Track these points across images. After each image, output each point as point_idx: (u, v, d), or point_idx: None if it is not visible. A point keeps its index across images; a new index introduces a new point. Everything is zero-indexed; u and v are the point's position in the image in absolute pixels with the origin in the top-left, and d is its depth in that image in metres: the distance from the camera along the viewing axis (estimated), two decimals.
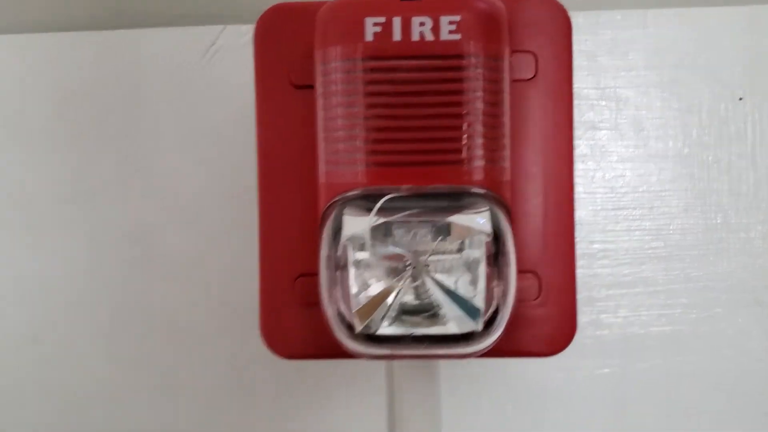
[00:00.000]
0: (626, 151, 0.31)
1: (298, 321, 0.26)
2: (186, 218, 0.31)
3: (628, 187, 0.31)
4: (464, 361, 0.31)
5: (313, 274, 0.26)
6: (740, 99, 0.31)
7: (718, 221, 0.31)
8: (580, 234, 0.31)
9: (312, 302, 0.26)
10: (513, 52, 0.25)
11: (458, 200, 0.23)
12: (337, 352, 0.26)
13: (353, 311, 0.23)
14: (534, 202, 0.25)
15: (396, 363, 0.30)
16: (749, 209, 0.31)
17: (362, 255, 0.23)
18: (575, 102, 0.31)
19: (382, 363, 0.31)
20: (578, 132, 0.31)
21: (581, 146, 0.31)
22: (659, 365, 0.31)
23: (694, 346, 0.31)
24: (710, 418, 0.31)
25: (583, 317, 0.31)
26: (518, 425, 0.31)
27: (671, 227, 0.31)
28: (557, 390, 0.31)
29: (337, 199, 0.23)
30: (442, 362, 0.30)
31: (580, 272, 0.31)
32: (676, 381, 0.31)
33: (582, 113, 0.31)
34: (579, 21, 0.31)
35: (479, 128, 0.23)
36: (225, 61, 0.31)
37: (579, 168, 0.31)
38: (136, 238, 0.32)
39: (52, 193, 0.32)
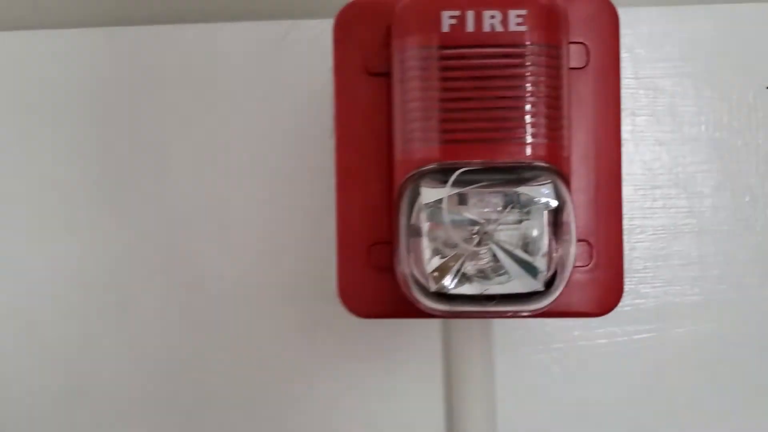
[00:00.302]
0: (662, 136, 0.34)
1: (372, 284, 0.29)
2: (261, 197, 0.34)
3: (663, 168, 0.34)
4: (515, 326, 0.33)
5: (386, 243, 0.29)
6: (767, 88, 0.34)
7: (747, 200, 0.34)
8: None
9: (384, 267, 0.29)
10: (569, 43, 0.28)
11: (524, 173, 0.26)
12: (406, 311, 0.29)
13: (427, 273, 0.26)
14: (587, 178, 0.28)
15: (453, 327, 0.33)
16: None
17: (436, 223, 0.26)
18: None
19: (440, 328, 0.34)
20: None
21: (622, 131, 0.34)
22: (692, 331, 0.34)
23: (724, 314, 0.34)
24: (735, 376, 0.34)
25: None
26: (563, 384, 0.34)
27: (704, 205, 0.34)
28: (599, 352, 0.34)
29: (413, 173, 0.26)
30: (496, 326, 0.33)
31: None
32: (707, 345, 0.34)
33: (622, 101, 0.34)
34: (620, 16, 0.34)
35: (542, 109, 0.26)
36: (295, 53, 0.34)
37: None
38: (212, 214, 0.35)
39: (132, 170, 0.35)
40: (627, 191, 0.34)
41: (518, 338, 0.34)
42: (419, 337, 0.34)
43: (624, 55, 0.34)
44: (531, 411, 0.34)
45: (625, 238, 0.34)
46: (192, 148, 0.35)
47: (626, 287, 0.34)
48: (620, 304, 0.34)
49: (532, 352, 0.34)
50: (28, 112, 0.36)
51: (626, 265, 0.34)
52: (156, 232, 0.35)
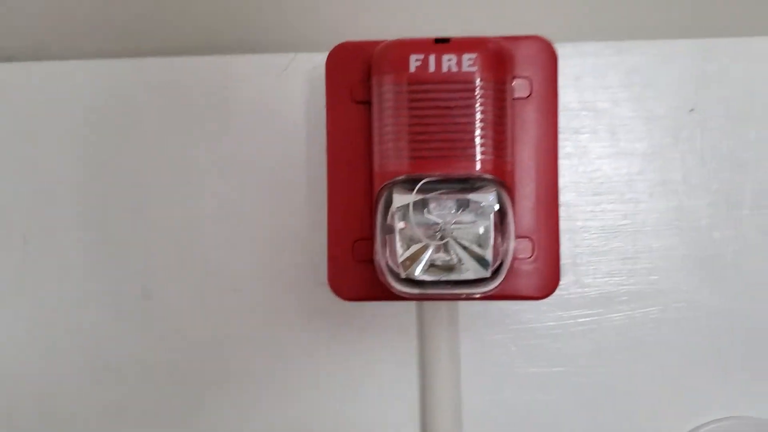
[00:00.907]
0: (602, 150, 0.40)
1: (356, 273, 0.35)
2: (266, 202, 0.41)
3: (604, 178, 0.40)
4: (477, 307, 0.40)
5: (368, 239, 0.35)
6: (692, 110, 0.40)
7: (674, 204, 0.40)
8: (567, 213, 0.40)
9: (366, 259, 0.35)
10: (514, 77, 0.34)
11: (474, 184, 0.32)
12: (384, 295, 0.35)
13: (399, 262, 0.32)
14: (529, 187, 0.34)
15: (425, 309, 0.39)
16: (698, 195, 0.40)
17: (405, 222, 0.32)
18: (564, 112, 0.40)
19: (414, 311, 0.40)
20: (565, 135, 0.40)
21: (568, 147, 0.40)
22: (628, 315, 0.40)
23: (655, 300, 0.40)
24: (666, 355, 0.40)
25: (568, 278, 0.40)
26: (519, 360, 0.40)
27: (638, 209, 0.40)
28: (549, 334, 0.40)
29: (387, 183, 0.32)
30: (461, 311, 0.40)
31: (567, 244, 0.40)
32: (641, 328, 0.40)
33: (569, 121, 0.40)
34: (568, 50, 0.39)
35: (489, 132, 0.32)
36: (295, 82, 0.41)
37: (566, 163, 0.40)
38: (225, 217, 0.41)
39: (158, 179, 0.41)
40: (572, 198, 0.40)
41: (480, 321, 0.40)
42: (397, 320, 0.40)
43: (570, 82, 0.40)
44: (491, 382, 0.40)
45: (571, 237, 0.40)
46: (211, 162, 0.40)
47: (572, 278, 0.40)
48: (567, 292, 0.40)
49: (492, 332, 0.40)
50: (54, 127, 0.42)
51: (572, 260, 0.40)
52: (177, 232, 0.41)
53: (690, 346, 0.40)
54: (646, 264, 0.40)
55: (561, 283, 0.39)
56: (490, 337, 0.40)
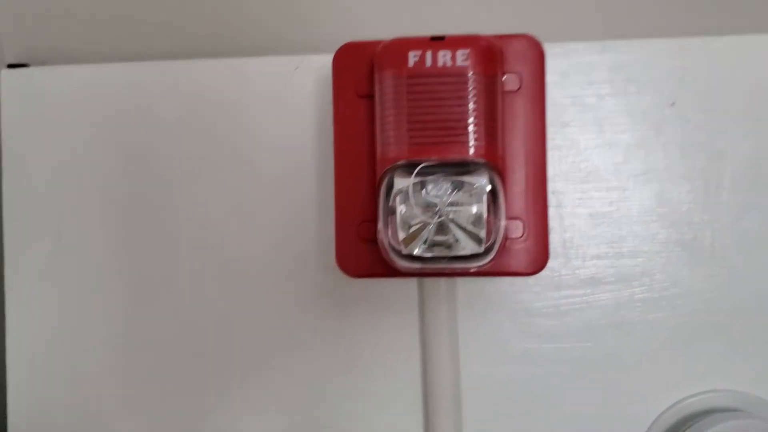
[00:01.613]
0: (590, 142, 0.43)
1: (361, 252, 0.38)
2: (277, 192, 0.44)
3: (591, 167, 0.43)
4: (475, 287, 0.43)
5: (372, 221, 0.38)
6: (672, 104, 0.43)
7: (656, 192, 0.43)
8: (557, 200, 0.43)
9: (370, 239, 0.38)
10: (505, 72, 0.37)
11: (468, 167, 0.35)
12: (387, 272, 0.38)
13: (400, 240, 0.35)
14: (520, 172, 0.38)
15: (426, 287, 0.42)
16: (679, 183, 0.43)
17: (406, 204, 0.35)
18: (553, 107, 0.43)
19: (415, 289, 0.43)
20: (555, 128, 0.43)
21: (557, 139, 0.43)
22: (615, 295, 0.43)
23: (639, 281, 0.43)
24: (650, 331, 0.43)
25: (559, 261, 0.43)
26: (513, 335, 0.43)
27: (623, 195, 0.43)
28: (541, 311, 0.43)
29: (389, 167, 0.36)
30: (459, 288, 0.43)
31: (557, 229, 0.43)
32: (627, 306, 0.43)
33: (558, 115, 0.43)
34: (556, 50, 0.43)
35: (481, 121, 0.35)
36: (305, 80, 0.44)
37: (555, 154, 0.43)
38: (239, 206, 0.44)
39: (177, 175, 0.45)
40: (560, 186, 0.43)
41: (477, 300, 0.43)
42: (399, 298, 0.43)
43: (557, 79, 0.43)
44: (487, 356, 0.43)
45: (560, 222, 0.43)
46: (227, 156, 0.44)
47: (562, 261, 0.43)
48: (558, 274, 0.43)
49: (488, 311, 0.43)
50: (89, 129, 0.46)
51: (561, 244, 0.43)
52: (195, 222, 0.44)
53: (672, 324, 0.43)
54: (630, 245, 0.43)
55: (552, 265, 0.42)
56: (487, 316, 0.43)
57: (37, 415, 0.45)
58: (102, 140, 0.45)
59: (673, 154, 0.43)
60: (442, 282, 0.41)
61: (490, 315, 0.43)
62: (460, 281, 0.42)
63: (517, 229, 0.37)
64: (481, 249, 0.35)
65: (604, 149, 0.43)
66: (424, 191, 0.35)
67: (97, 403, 0.44)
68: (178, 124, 0.44)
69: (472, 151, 0.35)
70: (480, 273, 0.36)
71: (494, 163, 0.35)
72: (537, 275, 0.42)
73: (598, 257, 0.43)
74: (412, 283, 0.42)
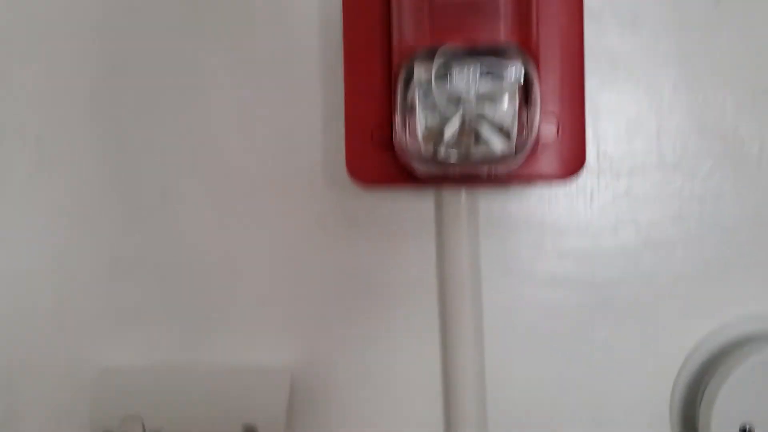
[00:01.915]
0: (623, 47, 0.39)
1: (373, 160, 0.35)
2: (280, 101, 0.40)
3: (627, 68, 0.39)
4: (497, 207, 0.39)
5: (386, 124, 0.34)
6: (718, 2, 0.39)
7: (698, 99, 0.39)
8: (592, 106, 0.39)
9: (385, 145, 0.34)
10: None
11: (499, 54, 0.31)
12: (402, 180, 0.34)
13: (420, 139, 0.32)
14: (554, 63, 0.33)
15: (445, 200, 0.38)
16: (723, 91, 0.39)
17: (427, 96, 0.31)
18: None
19: (432, 205, 0.39)
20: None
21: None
22: (652, 209, 0.39)
23: (679, 196, 0.39)
24: (689, 244, 0.39)
25: (590, 174, 0.39)
26: (539, 256, 0.39)
27: (661, 105, 0.39)
28: (571, 230, 0.39)
29: (408, 56, 0.32)
30: (481, 202, 0.39)
31: (590, 138, 0.39)
32: (664, 221, 0.39)
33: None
34: None
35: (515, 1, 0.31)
36: None
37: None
38: (241, 118, 0.40)
39: (175, 101, 0.41)
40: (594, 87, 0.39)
41: (500, 217, 0.39)
42: (415, 214, 0.39)
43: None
44: (511, 279, 0.39)
45: (594, 132, 0.39)
46: (224, 61, 0.40)
47: (594, 175, 0.39)
48: (590, 188, 0.39)
49: (513, 229, 0.39)
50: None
51: (594, 157, 0.39)
52: (192, 133, 0.40)
53: (713, 242, 0.39)
54: (671, 160, 0.39)
55: (584, 179, 0.38)
56: (511, 235, 0.39)
57: (21, 347, 0.41)
58: (90, 40, 0.41)
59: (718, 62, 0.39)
60: (463, 197, 0.37)
61: (514, 234, 0.39)
62: (482, 197, 0.38)
63: (551, 129, 0.33)
64: (512, 147, 0.31)
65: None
66: (447, 82, 0.31)
67: (86, 332, 0.41)
68: (172, 27, 0.40)
69: (503, 34, 0.31)
70: (508, 179, 0.33)
71: (528, 49, 0.31)
72: (567, 189, 0.39)
73: (633, 171, 0.39)
74: (429, 200, 0.39)
